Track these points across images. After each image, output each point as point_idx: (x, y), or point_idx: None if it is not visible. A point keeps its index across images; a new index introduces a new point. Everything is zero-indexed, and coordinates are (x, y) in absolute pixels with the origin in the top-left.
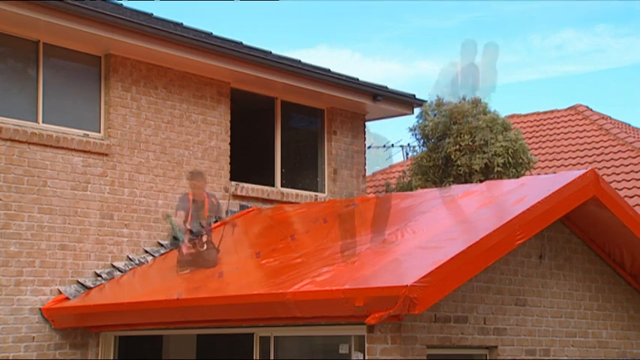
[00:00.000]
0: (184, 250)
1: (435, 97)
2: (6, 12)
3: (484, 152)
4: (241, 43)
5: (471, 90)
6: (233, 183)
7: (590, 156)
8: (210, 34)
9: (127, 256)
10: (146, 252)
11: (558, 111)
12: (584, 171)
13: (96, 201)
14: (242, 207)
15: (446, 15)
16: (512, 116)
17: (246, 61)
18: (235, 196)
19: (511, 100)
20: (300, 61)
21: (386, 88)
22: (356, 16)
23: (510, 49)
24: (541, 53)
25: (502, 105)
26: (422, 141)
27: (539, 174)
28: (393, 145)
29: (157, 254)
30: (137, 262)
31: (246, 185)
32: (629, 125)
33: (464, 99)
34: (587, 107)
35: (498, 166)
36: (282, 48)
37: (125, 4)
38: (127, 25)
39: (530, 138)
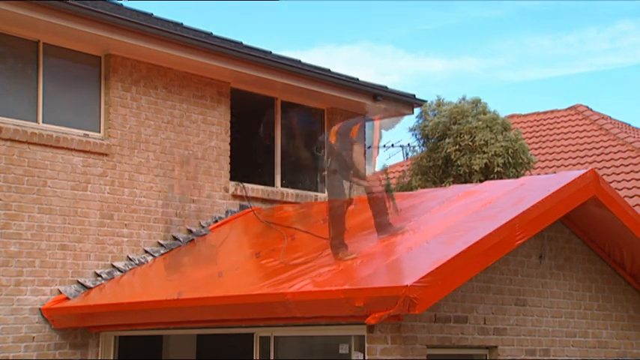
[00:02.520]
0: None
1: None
2: (6, 12)
3: (484, 152)
4: (241, 43)
5: None
6: (233, 183)
7: (590, 156)
8: (210, 34)
9: (127, 256)
10: (146, 252)
11: (558, 111)
12: (584, 171)
13: (96, 201)
14: (242, 207)
15: (494, 4)
16: (512, 116)
17: (246, 61)
18: (235, 196)
19: (515, 100)
20: (300, 61)
21: (386, 88)
22: (400, 8)
23: (561, 41)
24: (593, 46)
25: (505, 105)
26: (422, 141)
27: (539, 174)
28: (393, 145)
29: (156, 254)
30: (137, 262)
31: (246, 185)
32: (629, 125)
33: (463, 99)
34: (587, 107)
35: (498, 166)
36: (322, 44)
37: (125, 4)
38: (127, 25)
39: (530, 138)
